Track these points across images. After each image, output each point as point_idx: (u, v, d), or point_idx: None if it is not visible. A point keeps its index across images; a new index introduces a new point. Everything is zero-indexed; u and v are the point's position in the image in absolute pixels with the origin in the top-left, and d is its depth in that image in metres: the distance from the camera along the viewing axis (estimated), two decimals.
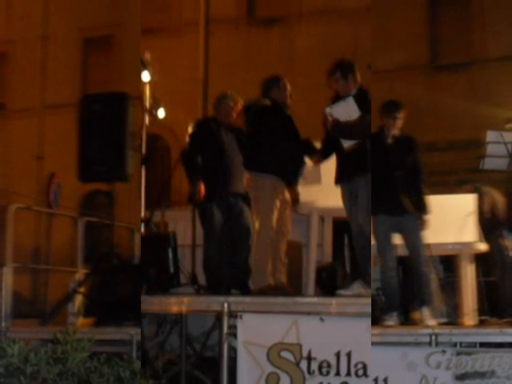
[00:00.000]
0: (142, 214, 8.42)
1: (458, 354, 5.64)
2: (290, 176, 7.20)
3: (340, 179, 6.93)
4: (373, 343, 5.76)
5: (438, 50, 16.31)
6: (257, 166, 7.13)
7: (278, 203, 7.02)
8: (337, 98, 6.93)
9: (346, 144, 6.75)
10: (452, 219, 7.22)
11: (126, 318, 7.12)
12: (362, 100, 6.71)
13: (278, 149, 7.05)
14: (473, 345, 6.05)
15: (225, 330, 6.09)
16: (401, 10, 15.90)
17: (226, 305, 6.12)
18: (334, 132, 6.77)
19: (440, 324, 6.81)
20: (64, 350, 4.23)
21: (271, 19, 16.82)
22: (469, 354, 5.64)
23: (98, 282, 7.73)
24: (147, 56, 8.74)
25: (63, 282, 9.19)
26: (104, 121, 7.93)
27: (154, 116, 8.81)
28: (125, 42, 17.97)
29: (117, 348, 6.34)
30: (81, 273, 8.81)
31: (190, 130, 7.81)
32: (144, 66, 8.56)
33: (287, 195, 7.24)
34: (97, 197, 18.14)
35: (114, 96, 8.30)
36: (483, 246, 7.62)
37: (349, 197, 6.85)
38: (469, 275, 7.47)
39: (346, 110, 6.68)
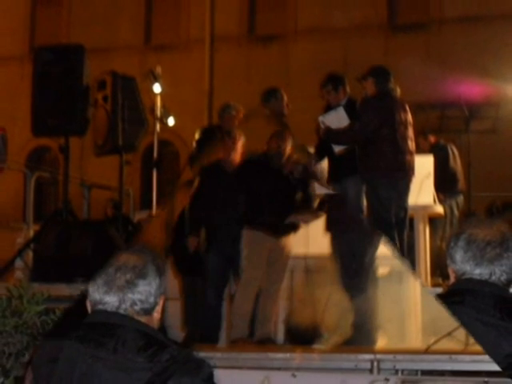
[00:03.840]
0: (154, 212, 8.38)
1: (403, 382, 4.71)
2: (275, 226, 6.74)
3: (331, 180, 6.91)
4: (310, 369, 5.17)
5: (395, 9, 16.21)
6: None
7: (262, 258, 6.64)
8: (328, 108, 6.81)
9: (337, 149, 6.65)
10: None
11: (79, 275, 6.81)
12: (351, 109, 6.61)
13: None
14: (414, 372, 5.09)
15: None
16: None
17: None
18: (326, 138, 6.72)
19: None
20: (18, 303, 3.92)
21: (270, 37, 16.82)
22: (415, 382, 4.78)
23: (51, 238, 7.33)
24: (158, 70, 8.72)
25: (11, 238, 8.93)
26: (58, 73, 7.51)
27: (164, 124, 8.79)
28: None
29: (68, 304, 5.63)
30: (31, 229, 8.46)
31: (196, 136, 7.78)
32: (155, 79, 8.55)
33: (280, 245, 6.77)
34: (44, 153, 17.81)
35: (68, 48, 7.96)
36: (439, 209, 7.44)
37: None
38: (422, 238, 7.23)
39: (337, 119, 6.60)
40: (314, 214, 6.82)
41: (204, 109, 16.68)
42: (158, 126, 8.70)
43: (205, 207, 7.07)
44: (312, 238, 6.91)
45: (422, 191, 7.14)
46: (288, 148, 6.89)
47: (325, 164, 6.91)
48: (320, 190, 6.58)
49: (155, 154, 8.72)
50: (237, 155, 7.14)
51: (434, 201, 7.38)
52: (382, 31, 15.97)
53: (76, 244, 7.13)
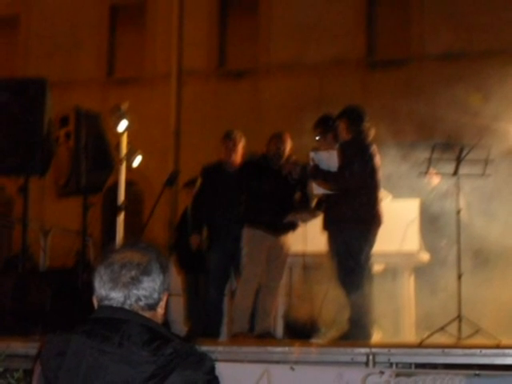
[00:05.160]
0: None
1: (397, 375, 4.60)
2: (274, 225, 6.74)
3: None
4: (308, 362, 5.12)
5: (374, 44, 14.96)
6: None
7: (262, 256, 6.66)
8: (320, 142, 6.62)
9: (317, 191, 6.46)
10: (394, 227, 6.63)
11: (36, 330, 6.12)
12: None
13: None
14: (408, 365, 5.04)
15: None
16: (336, 0, 14.66)
17: None
18: (312, 176, 6.43)
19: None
20: None
21: (241, 72, 15.43)
22: (409, 375, 4.60)
23: (8, 288, 6.66)
24: (125, 105, 8.19)
25: None
26: (17, 108, 6.80)
27: (130, 164, 8.34)
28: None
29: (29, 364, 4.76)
30: None
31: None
32: (122, 115, 8.01)
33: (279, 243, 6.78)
34: None
35: (29, 81, 7.25)
36: (424, 256, 7.10)
37: None
38: (406, 289, 6.98)
39: (327, 160, 6.30)
40: (312, 213, 6.80)
41: (170, 147, 15.38)
42: (123, 166, 8.02)
43: (207, 207, 7.08)
44: (310, 237, 6.88)
45: (406, 238, 6.89)
46: (287, 149, 6.87)
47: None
48: (317, 190, 6.50)
49: (121, 197, 8.02)
50: (237, 156, 7.13)
51: (420, 248, 7.03)
52: (360, 67, 14.74)
53: (34, 296, 6.58)
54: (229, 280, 7.13)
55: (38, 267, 8.22)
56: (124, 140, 8.14)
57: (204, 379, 2.20)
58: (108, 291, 2.29)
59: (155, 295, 2.32)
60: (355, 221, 6.11)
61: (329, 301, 6.62)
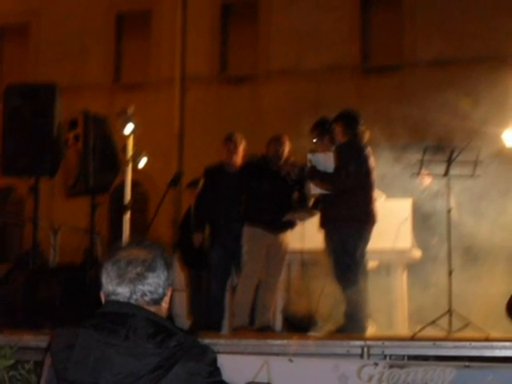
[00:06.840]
0: None
1: (391, 366, 4.62)
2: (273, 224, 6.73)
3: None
4: (306, 355, 5.11)
5: (368, 51, 14.97)
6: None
7: (262, 253, 6.67)
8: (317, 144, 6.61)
9: (315, 191, 6.45)
10: (387, 226, 6.62)
11: (46, 324, 6.06)
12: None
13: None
14: (401, 357, 5.02)
15: None
16: (332, 9, 14.70)
17: None
18: (309, 176, 6.44)
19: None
20: None
21: (241, 77, 15.34)
22: (401, 367, 4.61)
23: (19, 283, 6.62)
24: (131, 109, 8.22)
25: None
26: (29, 112, 6.79)
27: (135, 165, 8.33)
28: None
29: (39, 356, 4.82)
30: None
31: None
32: (128, 119, 8.01)
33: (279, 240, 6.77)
34: (9, 193, 15.87)
35: (40, 86, 7.24)
36: (417, 253, 7.11)
37: None
38: (399, 284, 6.98)
39: (324, 161, 6.29)
40: (310, 212, 6.80)
41: (174, 149, 15.45)
42: (129, 167, 8.12)
43: (209, 206, 7.07)
44: (307, 235, 6.88)
45: (399, 235, 6.90)
46: (285, 151, 6.87)
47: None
48: (315, 190, 6.51)
49: (128, 197, 8.13)
50: (238, 158, 7.13)
51: (412, 245, 7.04)
52: (355, 73, 14.84)
53: (44, 291, 6.55)
54: (230, 276, 7.13)
55: (47, 264, 8.22)
56: (130, 142, 8.17)
57: (206, 370, 2.20)
58: (115, 287, 2.29)
59: (160, 290, 2.32)
60: (351, 219, 6.11)
61: (325, 296, 6.62)
